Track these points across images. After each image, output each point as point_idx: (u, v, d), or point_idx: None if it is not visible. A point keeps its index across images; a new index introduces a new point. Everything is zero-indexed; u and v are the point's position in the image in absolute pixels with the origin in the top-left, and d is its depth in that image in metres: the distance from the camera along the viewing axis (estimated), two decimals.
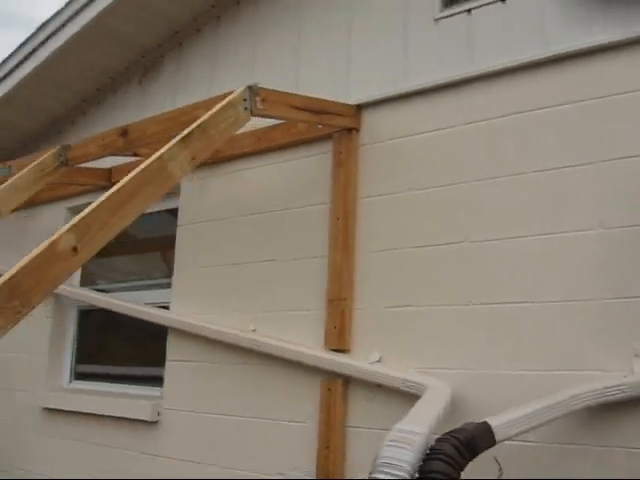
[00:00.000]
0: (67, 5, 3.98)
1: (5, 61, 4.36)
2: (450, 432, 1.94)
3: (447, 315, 2.76)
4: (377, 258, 3.04)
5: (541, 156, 2.66)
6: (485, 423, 2.03)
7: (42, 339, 4.50)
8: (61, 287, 4.41)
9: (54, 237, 2.00)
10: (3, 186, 3.14)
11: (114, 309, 4.08)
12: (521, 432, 2.13)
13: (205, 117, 2.45)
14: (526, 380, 2.51)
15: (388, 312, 2.95)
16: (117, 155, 3.48)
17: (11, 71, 4.34)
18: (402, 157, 3.05)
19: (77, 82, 4.48)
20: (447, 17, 3.06)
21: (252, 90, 2.64)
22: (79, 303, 4.50)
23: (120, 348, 4.54)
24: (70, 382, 4.51)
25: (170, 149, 2.32)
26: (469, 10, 3.00)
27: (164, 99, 4.10)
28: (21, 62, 4.28)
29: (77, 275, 4.62)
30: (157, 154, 2.29)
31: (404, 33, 3.19)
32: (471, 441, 1.92)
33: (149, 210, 4.26)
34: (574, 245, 2.52)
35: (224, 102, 2.55)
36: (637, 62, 2.52)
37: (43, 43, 4.13)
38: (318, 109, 3.01)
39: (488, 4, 2.96)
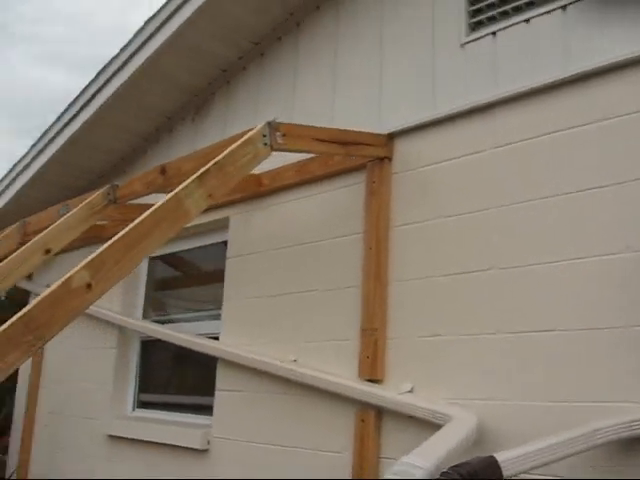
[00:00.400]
0: (121, 51, 4.21)
1: (70, 105, 4.65)
2: (454, 466, 1.90)
3: (477, 344, 2.71)
4: (409, 287, 3.02)
5: (567, 178, 2.59)
6: (491, 457, 1.97)
7: (107, 369, 4.69)
8: (124, 319, 4.62)
9: (69, 274, 2.12)
10: (54, 225, 3.33)
11: (169, 340, 4.22)
12: (536, 466, 2.05)
13: (222, 155, 2.54)
14: (555, 410, 2.42)
15: (419, 341, 2.92)
16: (158, 192, 3.63)
17: (75, 114, 4.62)
18: (433, 184, 3.04)
19: (136, 123, 4.72)
20: (473, 41, 3.05)
21: (271, 126, 2.71)
22: (141, 334, 4.68)
23: (179, 377, 4.68)
24: (133, 410, 4.67)
25: (186, 187, 2.41)
26: (494, 33, 2.98)
27: (214, 134, 4.24)
28: (83, 106, 4.55)
29: (139, 307, 4.82)
30: (173, 192, 2.39)
31: (432, 59, 3.19)
32: (474, 476, 1.88)
33: (206, 243, 4.41)
34: (602, 269, 2.42)
35: (243, 139, 2.63)
36: None
37: (102, 87, 4.37)
38: (345, 140, 3.04)
39: (512, 25, 2.92)
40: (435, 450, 2.09)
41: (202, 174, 2.46)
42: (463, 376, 2.73)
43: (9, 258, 3.25)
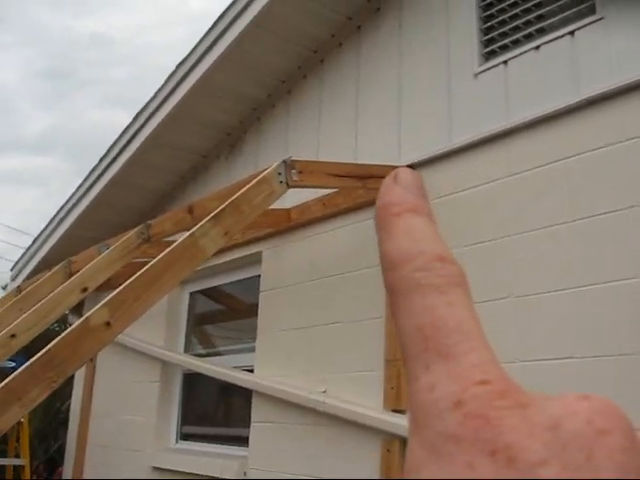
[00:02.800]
0: (156, 94, 4.40)
1: (110, 148, 4.86)
2: None
3: None
4: None
5: (580, 204, 2.59)
6: None
7: (151, 402, 4.82)
8: (166, 353, 4.74)
9: (88, 313, 2.24)
10: (90, 264, 3.50)
11: (208, 373, 4.32)
12: None
13: (238, 194, 2.64)
14: None
15: None
16: (187, 230, 3.76)
17: (116, 156, 4.82)
18: (449, 214, 3.07)
19: (173, 163, 4.89)
20: (485, 71, 3.09)
21: (287, 164, 2.80)
22: (182, 368, 4.80)
23: (220, 409, 4.77)
24: (176, 442, 4.77)
25: (202, 226, 2.52)
26: (505, 62, 3.01)
27: (247, 171, 4.36)
28: (123, 148, 4.75)
29: (181, 341, 4.94)
30: (189, 232, 2.50)
31: (447, 91, 3.24)
32: None
33: (243, 277, 4.52)
34: (617, 295, 2.41)
35: (258, 178, 2.73)
36: None
37: (139, 130, 4.57)
38: (362, 174, 3.11)
39: (523, 53, 2.95)
40: None
41: (218, 213, 2.57)
42: None
43: (49, 297, 3.42)
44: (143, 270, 2.38)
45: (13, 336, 3.30)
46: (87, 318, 2.22)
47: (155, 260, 2.41)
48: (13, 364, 5.04)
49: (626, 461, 0.22)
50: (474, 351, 0.26)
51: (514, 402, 0.24)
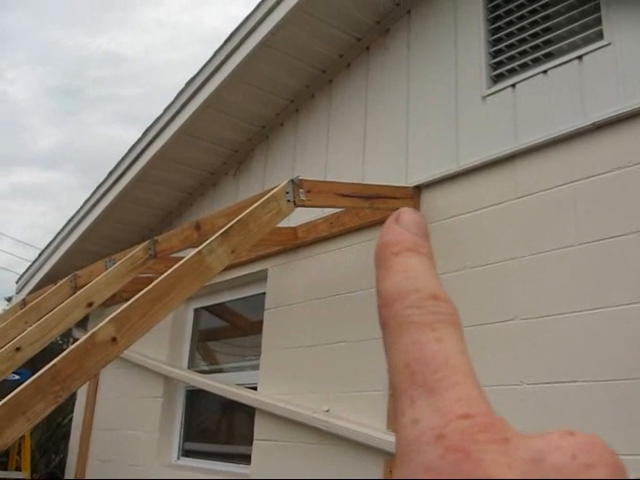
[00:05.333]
0: (165, 111, 4.43)
1: (118, 163, 4.89)
2: None
3: (499, 396, 2.69)
4: None
5: (588, 227, 2.59)
6: None
7: (154, 418, 4.81)
8: (169, 369, 4.74)
9: (95, 329, 2.24)
10: (97, 279, 3.50)
11: (211, 390, 4.31)
12: None
13: (245, 212, 2.65)
14: None
15: None
16: (194, 247, 3.78)
17: (123, 172, 4.84)
18: (457, 235, 3.08)
19: (181, 179, 4.92)
20: (494, 94, 3.10)
21: (294, 183, 2.81)
22: (185, 384, 4.79)
23: (222, 426, 4.75)
24: (178, 459, 4.76)
25: (209, 244, 2.53)
26: (514, 85, 3.03)
27: (254, 189, 4.39)
28: (130, 164, 4.77)
29: (185, 357, 4.94)
30: (196, 250, 2.51)
31: (455, 113, 3.26)
32: None
33: (248, 294, 4.52)
34: (625, 319, 2.41)
35: (266, 197, 2.74)
36: None
37: (147, 146, 4.59)
38: (369, 194, 3.12)
39: (531, 77, 2.97)
40: None
41: (225, 231, 2.58)
42: None
43: (54, 311, 3.42)
44: (150, 287, 2.39)
45: (18, 349, 3.31)
46: (93, 333, 2.22)
47: (162, 277, 2.42)
48: (17, 377, 5.04)
49: None
50: (459, 385, 0.26)
51: (497, 436, 0.24)
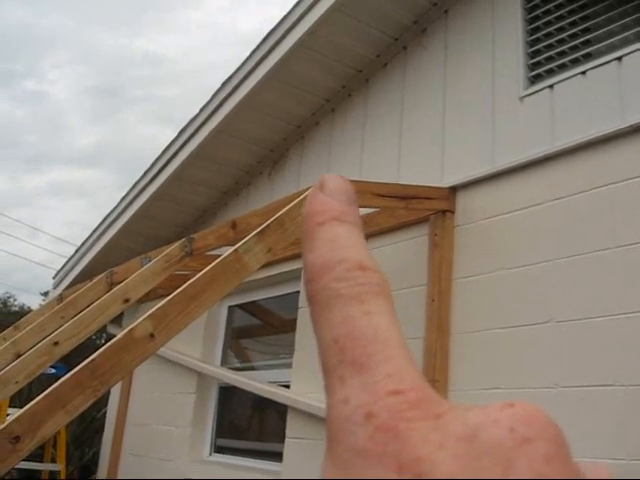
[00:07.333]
0: (201, 110, 4.48)
1: (154, 162, 4.95)
2: None
3: (533, 398, 2.68)
4: (470, 339, 3.03)
5: (625, 230, 2.56)
6: None
7: (187, 414, 4.86)
8: (203, 366, 4.79)
9: (133, 324, 2.28)
10: (133, 276, 3.56)
11: (243, 387, 4.35)
12: None
13: (282, 211, 2.67)
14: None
15: (480, 394, 2.91)
16: (230, 245, 3.81)
17: (159, 171, 4.91)
18: (493, 236, 3.06)
19: (216, 178, 4.97)
20: (531, 94, 3.08)
21: None
22: (219, 381, 4.84)
23: (254, 423, 4.79)
24: (210, 455, 4.80)
25: (246, 242, 2.55)
26: (551, 86, 3.00)
27: (289, 188, 4.41)
28: (166, 163, 4.84)
29: (218, 354, 4.99)
30: (233, 248, 2.53)
31: (492, 114, 3.24)
32: None
33: (283, 292, 4.55)
34: None
35: (302, 196, 2.76)
36: None
37: (183, 145, 4.65)
38: (406, 195, 3.12)
39: (570, 78, 2.94)
40: None
41: (262, 230, 2.60)
42: None
43: (91, 306, 3.48)
44: (187, 284, 2.42)
45: (56, 344, 3.37)
46: (131, 329, 2.26)
47: (199, 275, 2.45)
48: (54, 370, 5.14)
49: (548, 471, 0.21)
50: (390, 360, 0.24)
51: (428, 412, 0.22)
